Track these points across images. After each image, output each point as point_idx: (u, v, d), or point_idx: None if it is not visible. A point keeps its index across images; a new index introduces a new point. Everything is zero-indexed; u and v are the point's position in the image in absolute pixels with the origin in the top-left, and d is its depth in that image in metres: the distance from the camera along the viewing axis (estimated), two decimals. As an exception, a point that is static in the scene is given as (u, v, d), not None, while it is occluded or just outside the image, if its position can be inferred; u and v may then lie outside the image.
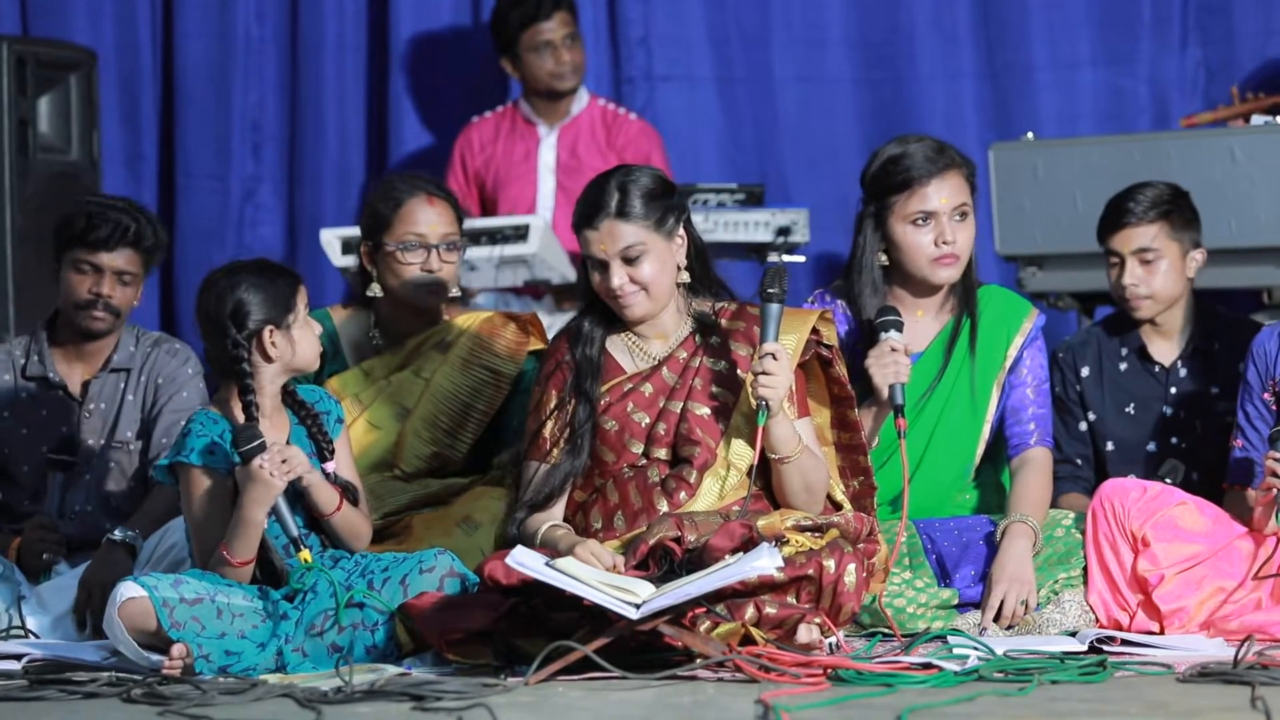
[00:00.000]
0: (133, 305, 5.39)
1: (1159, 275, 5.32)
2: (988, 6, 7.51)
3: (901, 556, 4.93)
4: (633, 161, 6.71)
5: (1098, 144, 6.48)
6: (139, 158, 7.75)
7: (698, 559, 4.39)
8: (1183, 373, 5.36)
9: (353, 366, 5.44)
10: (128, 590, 4.45)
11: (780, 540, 4.46)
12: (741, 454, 4.69)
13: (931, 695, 3.95)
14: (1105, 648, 4.54)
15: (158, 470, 4.72)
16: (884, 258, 5.15)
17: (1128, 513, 4.85)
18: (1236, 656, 4.23)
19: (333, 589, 4.48)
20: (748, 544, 4.39)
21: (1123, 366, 5.40)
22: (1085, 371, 5.40)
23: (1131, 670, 4.28)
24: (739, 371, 4.72)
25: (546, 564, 4.31)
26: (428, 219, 5.38)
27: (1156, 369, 5.38)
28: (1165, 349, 5.39)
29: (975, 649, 4.38)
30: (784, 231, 6.83)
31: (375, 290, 5.40)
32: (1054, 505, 5.13)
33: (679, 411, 4.72)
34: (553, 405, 4.74)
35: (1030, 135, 6.62)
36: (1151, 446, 5.35)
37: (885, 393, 4.95)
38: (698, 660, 4.20)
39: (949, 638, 4.58)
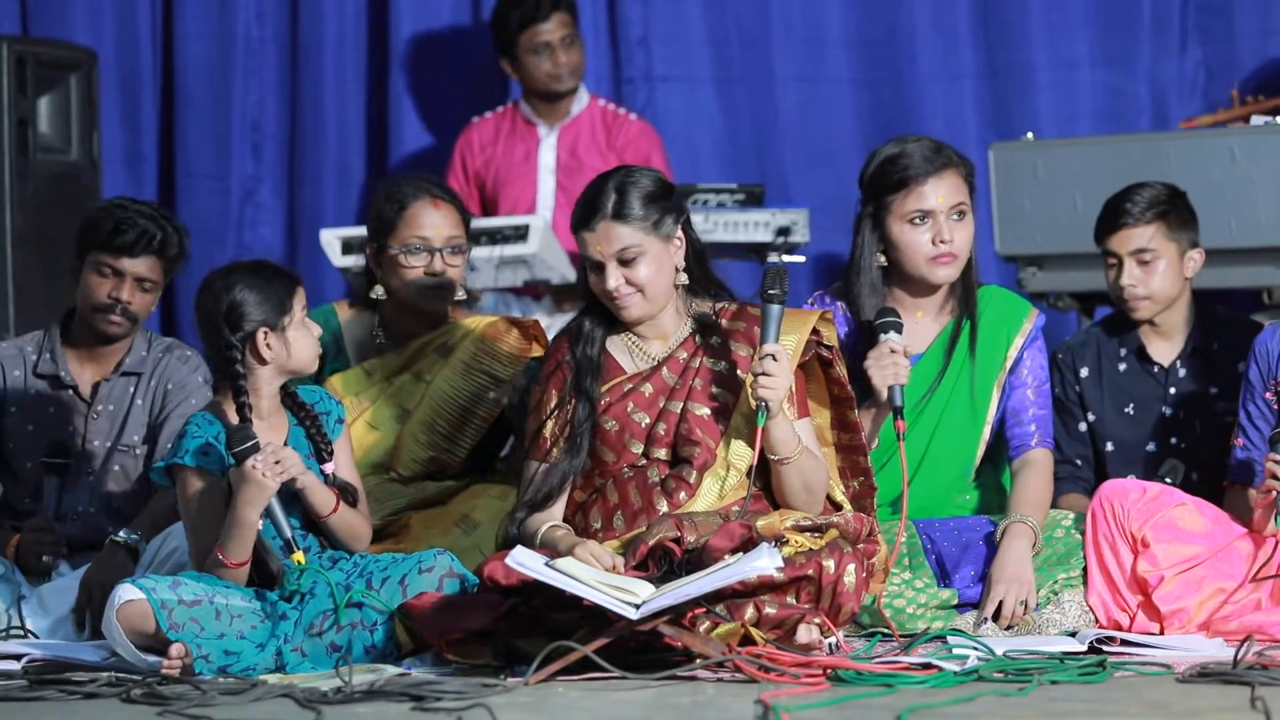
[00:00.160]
0: (149, 312, 5.37)
1: (1157, 276, 5.31)
2: (988, 7, 7.50)
3: (901, 557, 4.93)
4: (633, 162, 6.72)
5: (1097, 144, 6.48)
6: (139, 158, 7.75)
7: (697, 559, 4.39)
8: (1182, 373, 5.36)
9: (355, 365, 5.44)
10: (126, 593, 4.45)
11: (780, 540, 4.45)
12: (741, 454, 4.69)
13: (931, 695, 3.95)
14: (1105, 648, 4.53)
15: (155, 472, 4.72)
16: (883, 258, 5.14)
17: (1127, 513, 4.84)
18: (1236, 657, 4.23)
19: (330, 590, 4.48)
20: (747, 544, 4.39)
21: (1122, 367, 5.39)
22: (1084, 372, 5.40)
23: (1131, 670, 4.27)
24: (739, 372, 4.72)
25: (546, 564, 4.30)
26: (432, 222, 5.37)
27: (1156, 369, 5.37)
28: (1164, 349, 5.39)
29: (975, 649, 4.38)
30: (784, 232, 6.83)
31: (378, 292, 5.39)
32: (1054, 506, 5.13)
33: (679, 412, 4.72)
34: (553, 405, 4.74)
35: (1030, 135, 6.62)
36: (1151, 447, 5.34)
37: (884, 394, 4.95)
38: (697, 660, 4.20)
39: (949, 638, 4.58)
